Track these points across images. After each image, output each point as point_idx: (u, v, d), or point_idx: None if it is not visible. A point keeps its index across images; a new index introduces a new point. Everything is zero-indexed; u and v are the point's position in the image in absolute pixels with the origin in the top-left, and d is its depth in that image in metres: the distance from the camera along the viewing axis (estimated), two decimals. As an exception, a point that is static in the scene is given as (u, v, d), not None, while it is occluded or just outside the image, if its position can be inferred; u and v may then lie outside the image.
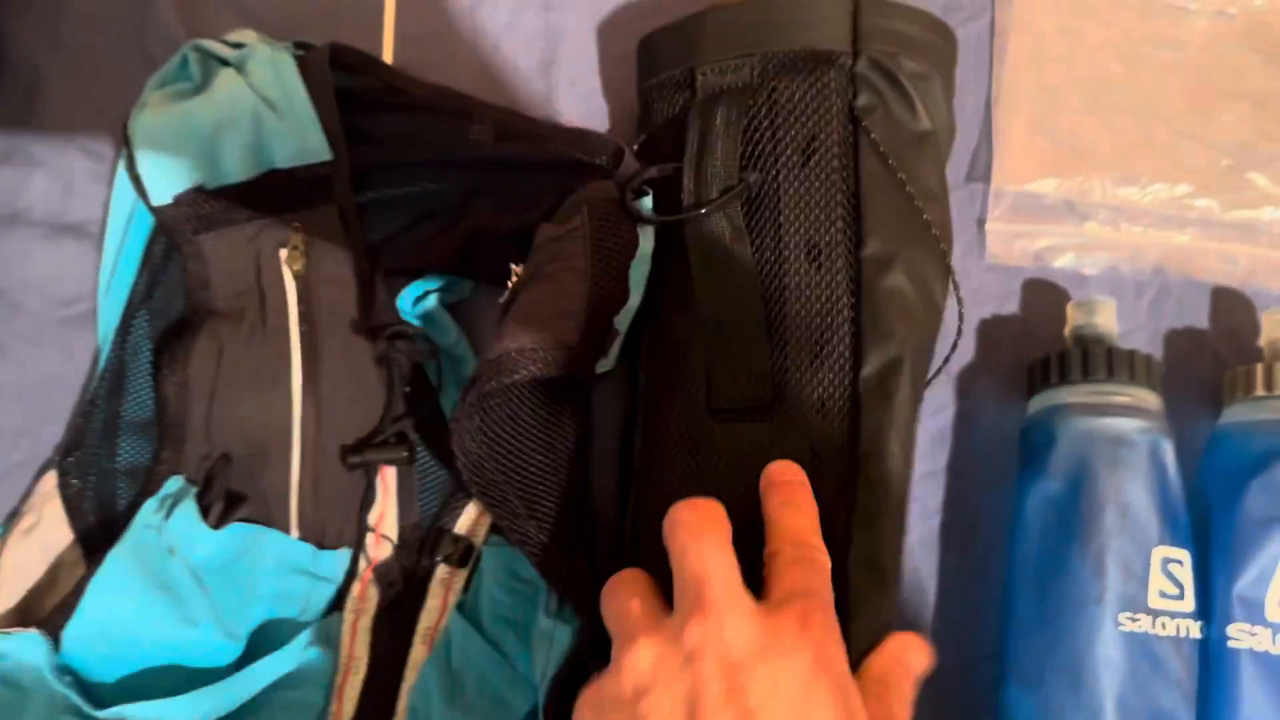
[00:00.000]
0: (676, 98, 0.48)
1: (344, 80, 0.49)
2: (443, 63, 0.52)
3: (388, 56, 0.53)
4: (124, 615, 0.42)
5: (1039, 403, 0.47)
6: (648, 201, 0.44)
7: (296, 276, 0.48)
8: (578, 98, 0.53)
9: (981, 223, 0.52)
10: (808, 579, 0.36)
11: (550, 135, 0.48)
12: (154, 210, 0.49)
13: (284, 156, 0.49)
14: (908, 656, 0.39)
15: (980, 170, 0.52)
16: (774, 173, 0.45)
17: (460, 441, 0.40)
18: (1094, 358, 0.45)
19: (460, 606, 0.45)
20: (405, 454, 0.46)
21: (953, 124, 0.48)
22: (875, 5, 0.46)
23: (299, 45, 0.50)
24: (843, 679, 0.34)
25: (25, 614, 0.44)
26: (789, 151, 0.45)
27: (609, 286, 0.42)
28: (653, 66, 0.49)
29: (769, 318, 0.44)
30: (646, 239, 0.44)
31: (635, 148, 0.48)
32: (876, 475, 0.42)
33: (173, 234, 0.49)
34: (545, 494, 0.43)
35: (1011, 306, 0.51)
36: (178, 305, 0.49)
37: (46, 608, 0.44)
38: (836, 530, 0.41)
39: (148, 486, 0.46)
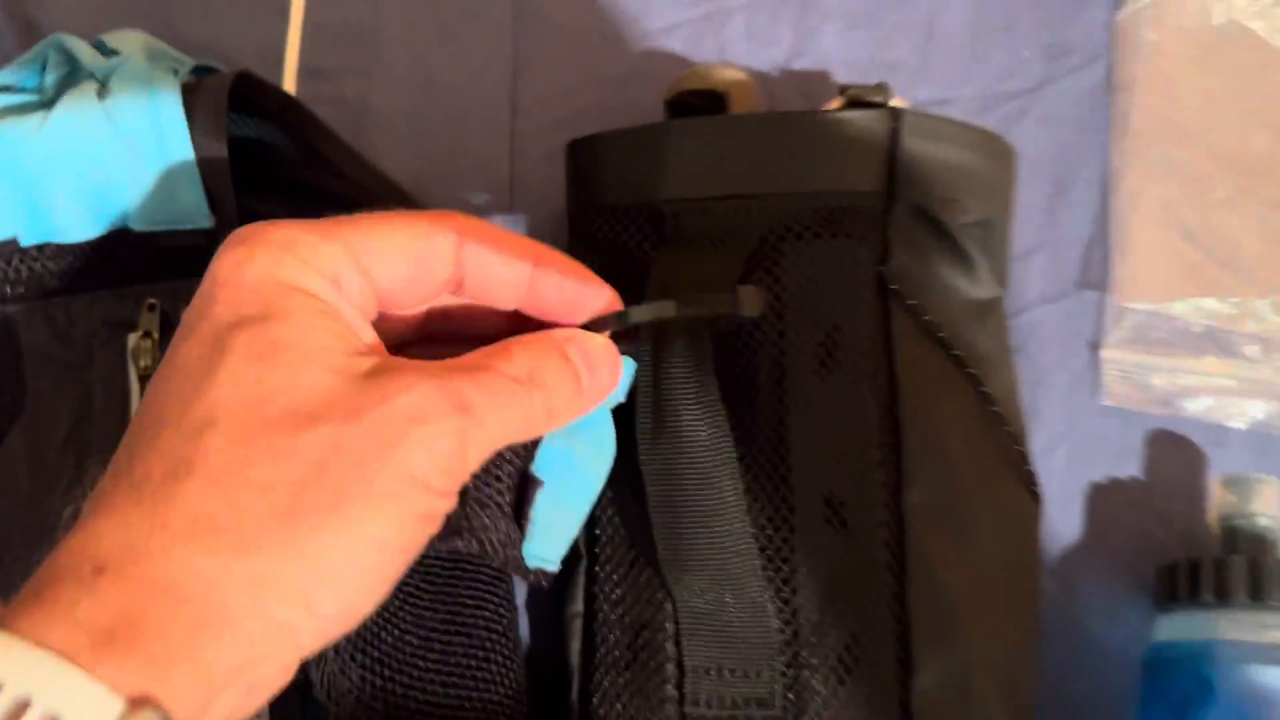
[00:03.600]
0: (632, 233, 0.34)
1: (245, 127, 0.36)
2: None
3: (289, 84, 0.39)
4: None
5: (1178, 626, 0.33)
6: None
7: (142, 374, 0.34)
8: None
9: (1095, 347, 0.38)
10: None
11: None
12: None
13: (144, 215, 0.35)
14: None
15: (1095, 274, 0.39)
16: (778, 388, 0.31)
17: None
18: (1268, 572, 0.32)
19: None
20: None
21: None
22: (917, 124, 0.32)
23: (200, 70, 0.36)
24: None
25: None
26: (801, 356, 0.31)
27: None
28: (594, 185, 0.35)
29: (775, 600, 0.31)
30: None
31: None
32: None
33: None
34: None
35: (1131, 467, 0.38)
36: None
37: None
38: None
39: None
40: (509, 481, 0.28)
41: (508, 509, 0.28)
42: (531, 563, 0.29)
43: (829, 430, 0.31)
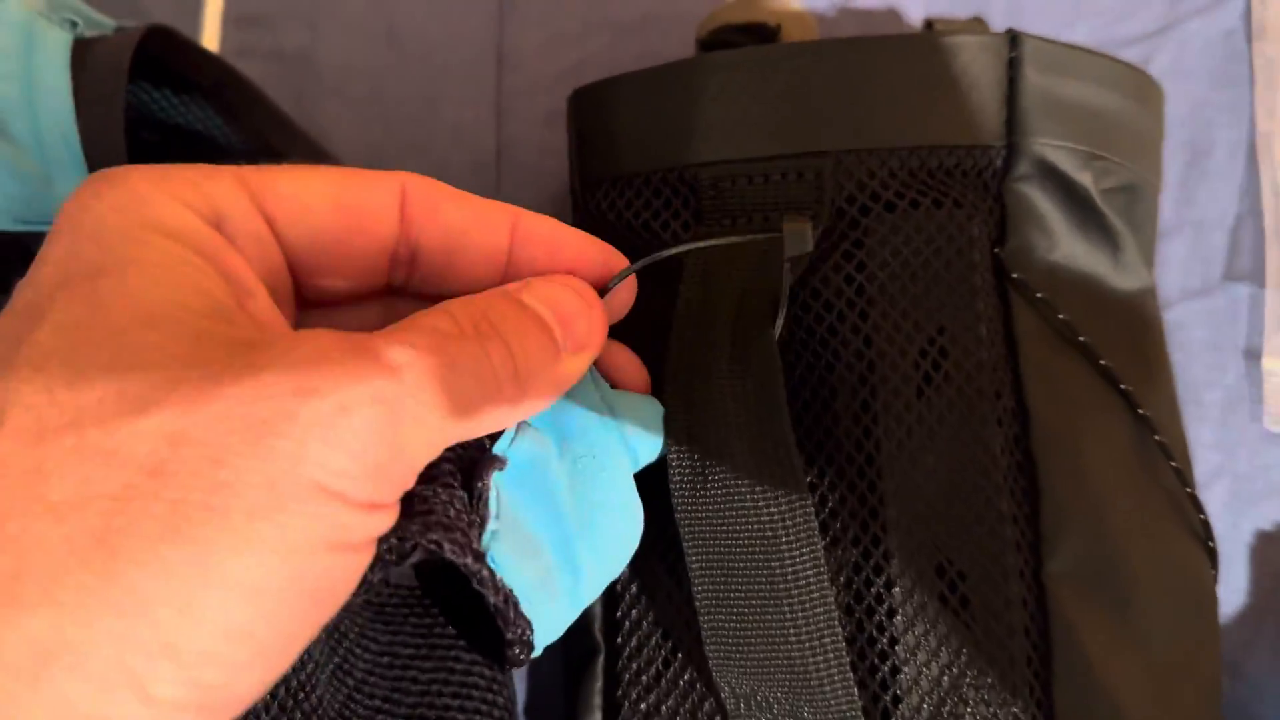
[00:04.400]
0: (657, 210, 0.25)
1: (183, 112, 0.29)
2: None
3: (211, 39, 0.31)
4: None
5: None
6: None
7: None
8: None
9: (1253, 356, 0.30)
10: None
11: None
12: None
13: (11, 210, 0.27)
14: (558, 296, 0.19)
15: (1245, 263, 0.31)
16: (865, 415, 0.23)
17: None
18: None
19: None
20: None
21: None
22: (1045, 53, 0.24)
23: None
24: None
25: None
26: (895, 370, 0.23)
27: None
28: (606, 149, 0.26)
29: (873, 713, 0.23)
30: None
31: None
32: None
33: None
34: None
35: (1309, 508, 0.29)
36: None
37: None
38: None
39: None
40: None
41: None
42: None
43: (939, 474, 0.23)
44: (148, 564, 0.13)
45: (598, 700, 0.24)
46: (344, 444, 0.14)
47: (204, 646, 0.13)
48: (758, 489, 0.21)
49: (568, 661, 0.25)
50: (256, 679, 0.14)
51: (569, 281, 0.19)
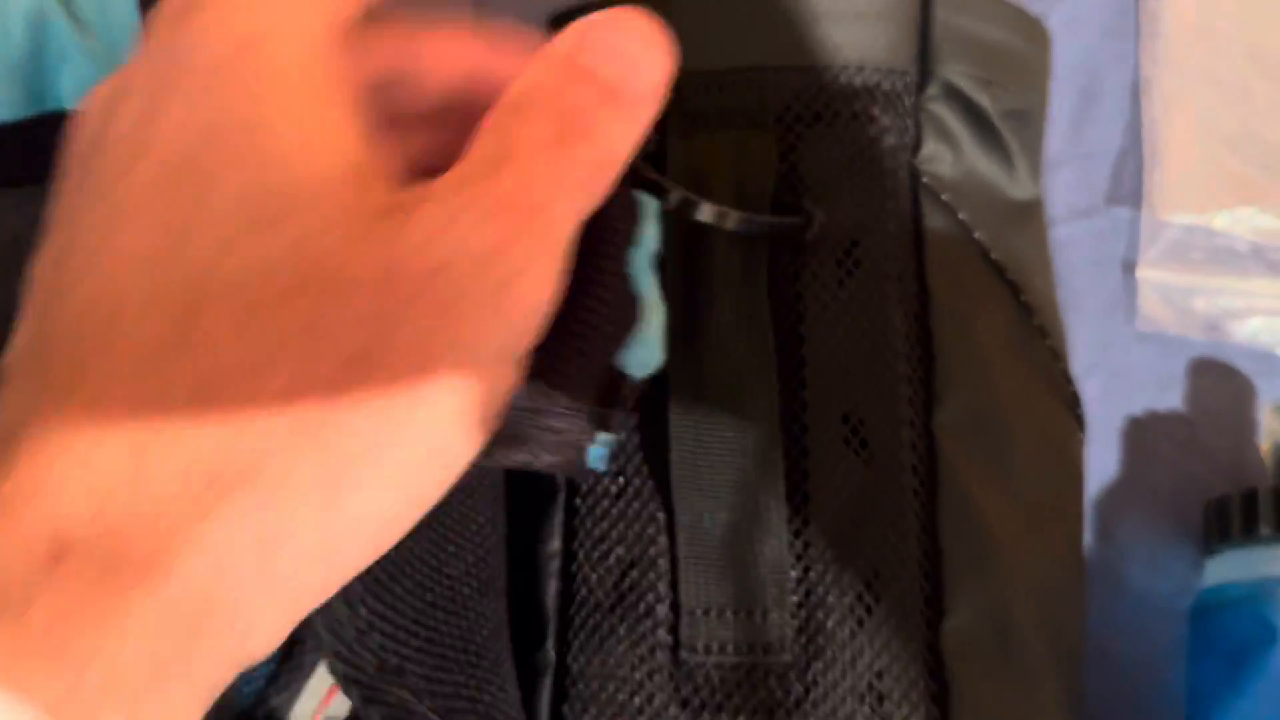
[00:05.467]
0: None
1: None
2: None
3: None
4: None
5: (1234, 565, 0.30)
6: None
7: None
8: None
9: (1130, 268, 0.35)
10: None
11: None
12: None
13: (81, 90, 0.31)
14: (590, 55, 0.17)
15: (1127, 189, 0.35)
16: (792, 292, 0.27)
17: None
18: (1336, 502, 0.28)
19: None
20: None
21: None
22: None
23: None
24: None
25: None
26: (819, 257, 0.27)
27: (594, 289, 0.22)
28: None
29: (787, 533, 0.27)
30: (649, 223, 0.24)
31: None
32: None
33: None
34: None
35: (1172, 399, 0.34)
36: None
37: None
38: None
39: None
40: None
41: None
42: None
43: (850, 341, 0.27)
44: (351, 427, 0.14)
45: (557, 530, 0.28)
46: (526, 311, 0.15)
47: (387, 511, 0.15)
48: (740, 343, 0.26)
49: (533, 501, 0.29)
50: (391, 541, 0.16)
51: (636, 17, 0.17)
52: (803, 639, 0.26)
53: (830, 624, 0.26)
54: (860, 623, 0.26)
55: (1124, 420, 0.34)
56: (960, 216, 0.28)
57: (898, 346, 0.27)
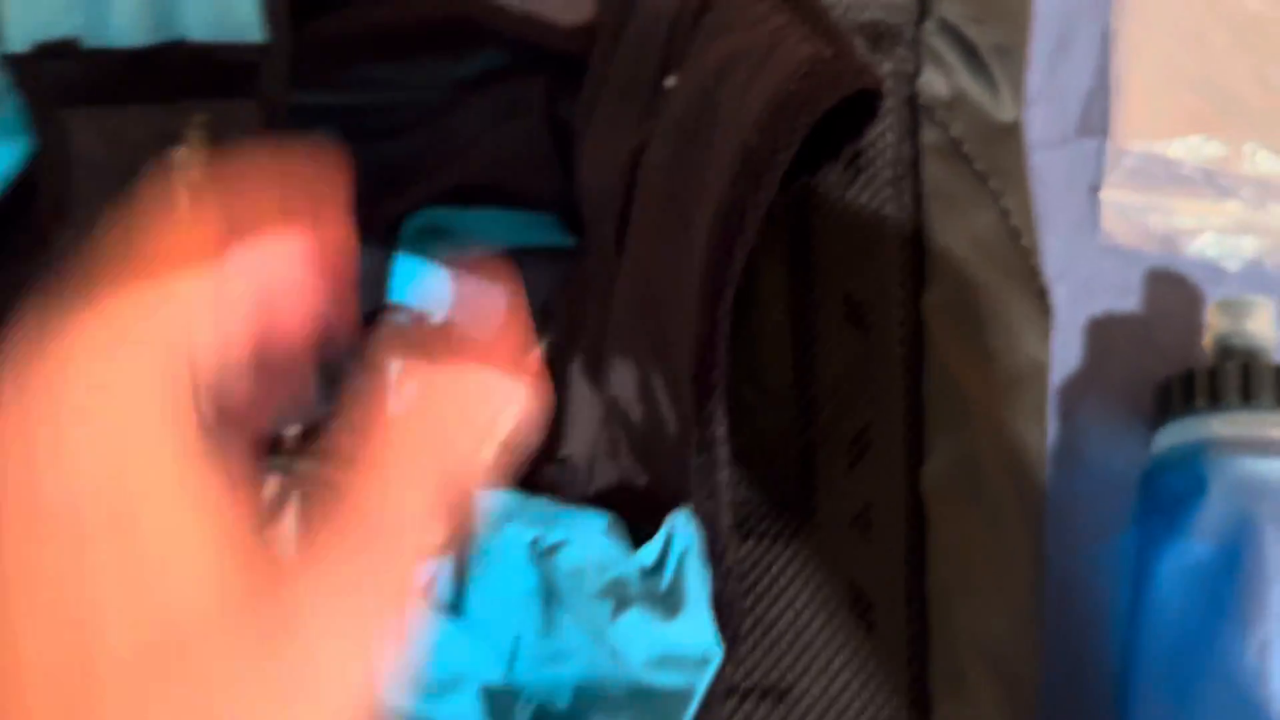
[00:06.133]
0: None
1: None
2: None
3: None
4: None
5: (1176, 433, 0.35)
6: None
7: (189, 188, 0.35)
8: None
9: (1095, 190, 0.40)
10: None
11: None
12: (5, 59, 0.35)
13: (199, 25, 0.36)
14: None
15: (1096, 122, 0.40)
16: (805, 193, 0.33)
17: None
18: (1258, 375, 0.33)
19: None
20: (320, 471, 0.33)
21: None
22: None
23: None
24: None
25: None
26: (829, 169, 0.33)
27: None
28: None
29: (793, 390, 0.32)
30: None
31: None
32: (960, 623, 0.30)
33: (28, 99, 0.36)
34: None
35: (1130, 303, 0.39)
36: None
37: None
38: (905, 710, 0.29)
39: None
40: None
41: None
42: None
43: (853, 235, 0.32)
44: None
45: None
46: None
47: None
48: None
49: None
50: None
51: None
52: (802, 477, 0.31)
53: (825, 465, 0.31)
54: (852, 465, 0.32)
55: (1087, 320, 0.39)
56: (951, 133, 0.33)
57: (893, 240, 0.32)
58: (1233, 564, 0.32)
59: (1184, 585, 0.33)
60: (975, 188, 0.34)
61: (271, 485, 0.24)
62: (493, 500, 0.26)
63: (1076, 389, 0.38)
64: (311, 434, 0.24)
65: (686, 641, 0.26)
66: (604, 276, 0.30)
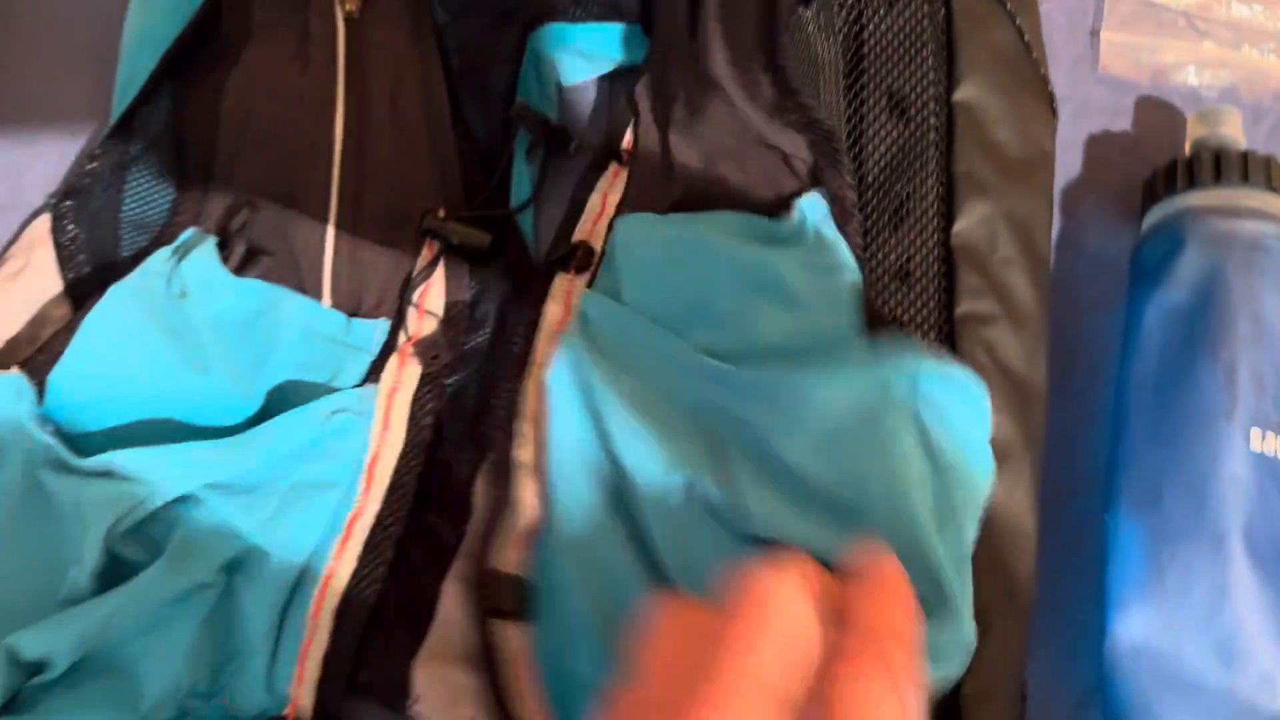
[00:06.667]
0: None
1: None
2: None
3: None
4: (122, 356, 0.36)
5: (1161, 211, 0.42)
6: None
7: (347, 16, 0.43)
8: None
9: (1095, 33, 0.47)
10: None
11: None
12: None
13: None
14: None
15: (1095, -20, 0.48)
16: (856, 17, 0.40)
17: None
18: (1228, 159, 0.41)
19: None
20: (488, 241, 0.41)
21: None
22: None
23: None
24: None
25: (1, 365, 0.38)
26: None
27: None
28: None
29: (848, 169, 0.39)
30: None
31: None
32: (987, 352, 0.37)
33: None
34: None
35: (1123, 123, 0.46)
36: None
37: (24, 357, 0.38)
38: None
39: (161, 237, 0.40)
40: None
41: None
42: None
43: (896, 44, 0.40)
44: None
45: None
46: None
47: None
48: (820, 45, 0.39)
49: None
50: None
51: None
52: (859, 238, 0.38)
53: (875, 229, 0.39)
54: (895, 227, 0.39)
55: (1086, 137, 0.46)
56: None
57: (929, 47, 0.40)
58: (1205, 302, 0.39)
59: (1166, 324, 0.40)
60: (995, 8, 0.41)
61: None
62: None
63: (1077, 192, 0.46)
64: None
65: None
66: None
